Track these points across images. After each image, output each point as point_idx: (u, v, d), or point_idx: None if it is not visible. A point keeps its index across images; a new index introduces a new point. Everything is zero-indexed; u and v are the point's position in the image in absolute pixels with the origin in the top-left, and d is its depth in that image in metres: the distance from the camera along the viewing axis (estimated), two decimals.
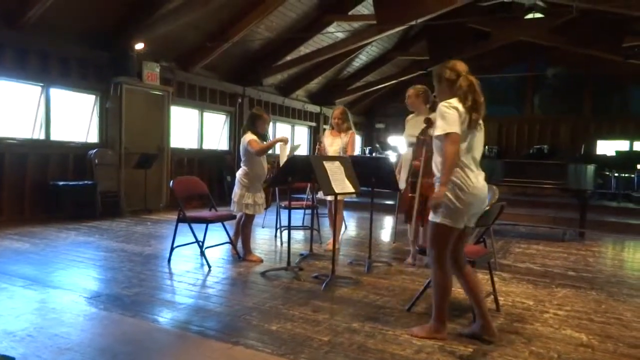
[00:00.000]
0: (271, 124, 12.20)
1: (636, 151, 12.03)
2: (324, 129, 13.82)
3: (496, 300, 3.54)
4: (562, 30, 10.39)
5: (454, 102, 2.77)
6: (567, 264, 5.18)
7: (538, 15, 11.00)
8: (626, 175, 11.02)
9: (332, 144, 5.54)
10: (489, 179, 6.05)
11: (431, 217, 2.84)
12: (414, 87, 5.13)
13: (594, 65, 12.16)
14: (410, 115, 5.14)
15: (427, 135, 2.90)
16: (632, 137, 13.11)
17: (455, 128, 2.70)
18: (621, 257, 6.07)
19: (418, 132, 4.78)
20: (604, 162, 10.72)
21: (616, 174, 10.95)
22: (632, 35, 10.12)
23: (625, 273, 5.01)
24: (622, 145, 12.99)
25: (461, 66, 2.89)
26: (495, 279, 3.85)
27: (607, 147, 12.88)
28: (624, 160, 10.82)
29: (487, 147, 13.54)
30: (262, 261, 4.81)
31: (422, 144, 4.69)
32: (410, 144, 4.97)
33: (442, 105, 2.78)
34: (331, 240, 5.25)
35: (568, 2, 7.76)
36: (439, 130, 2.74)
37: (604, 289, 4.23)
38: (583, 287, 4.26)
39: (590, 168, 7.26)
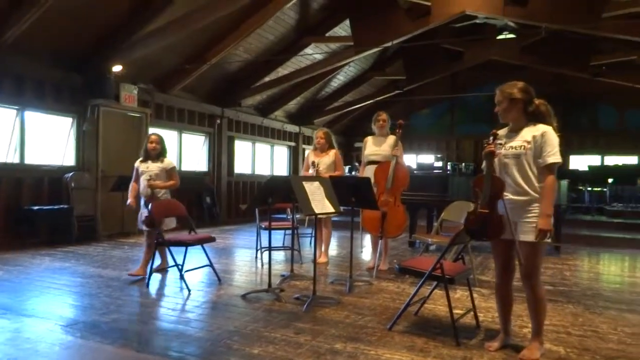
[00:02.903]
0: (250, 144, 12.25)
1: (607, 166, 12.41)
2: (304, 149, 13.97)
3: (476, 317, 3.58)
4: (532, 50, 10.75)
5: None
6: (543, 278, 5.25)
7: (509, 35, 11.37)
8: (599, 189, 11.33)
9: (319, 163, 5.84)
10: (467, 196, 6.17)
11: (533, 238, 2.82)
12: (385, 112, 5.74)
13: (563, 83, 12.57)
14: (370, 137, 5.75)
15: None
16: (602, 152, 13.53)
17: None
18: (596, 270, 6.20)
19: (380, 150, 5.50)
20: (577, 177, 11.02)
21: (589, 188, 11.25)
22: (599, 54, 10.52)
23: (600, 286, 5.12)
24: (594, 160, 13.38)
25: (531, 88, 2.96)
26: (475, 295, 3.89)
27: (579, 162, 13.25)
28: (596, 174, 11.14)
29: (464, 164, 13.81)
30: (145, 275, 4.81)
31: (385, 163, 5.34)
32: (370, 162, 5.58)
33: (552, 132, 2.86)
34: (320, 254, 5.93)
35: (537, 23, 8.04)
36: (557, 157, 2.83)
37: (581, 302, 4.31)
38: (560, 301, 4.34)
39: (564, 183, 7.45)
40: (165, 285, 4.70)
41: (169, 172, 5.14)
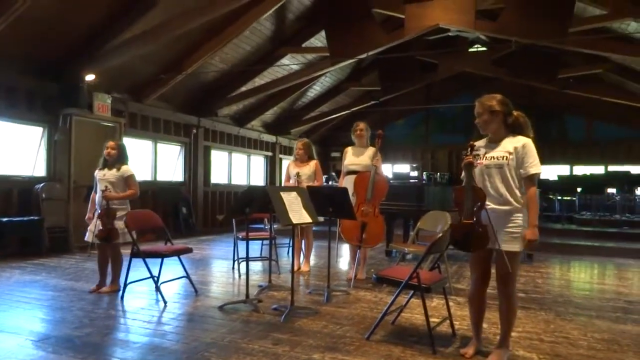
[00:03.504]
0: (227, 154, 12.18)
1: (576, 175, 12.78)
2: (280, 159, 13.97)
3: (452, 325, 3.63)
4: (503, 63, 11.06)
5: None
6: (517, 286, 5.36)
7: (481, 48, 11.68)
8: (568, 198, 11.65)
9: (300, 174, 5.86)
10: (442, 206, 6.29)
11: (514, 247, 2.89)
12: (364, 122, 5.74)
13: (533, 95, 12.94)
14: (349, 147, 5.76)
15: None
16: (571, 162, 13.94)
17: None
18: (567, 277, 6.37)
19: (359, 160, 5.55)
20: (547, 186, 11.31)
21: (559, 197, 11.55)
22: (567, 67, 10.89)
23: (571, 293, 5.26)
24: (563, 169, 13.76)
25: (508, 100, 3.04)
26: (451, 303, 3.95)
27: (549, 172, 13.61)
28: (566, 184, 11.46)
29: (439, 173, 14.02)
30: (119, 289, 4.73)
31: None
32: (349, 172, 5.59)
33: (532, 144, 2.94)
34: (300, 264, 6.06)
35: (507, 37, 8.28)
36: (539, 167, 2.92)
37: (552, 309, 4.42)
38: (533, 308, 4.43)
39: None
40: (140, 298, 4.62)
41: (127, 180, 4.88)
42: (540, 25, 7.77)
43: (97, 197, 4.86)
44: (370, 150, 5.54)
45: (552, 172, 13.33)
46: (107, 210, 4.68)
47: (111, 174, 4.84)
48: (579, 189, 11.20)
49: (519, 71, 10.91)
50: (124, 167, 4.90)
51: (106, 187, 4.74)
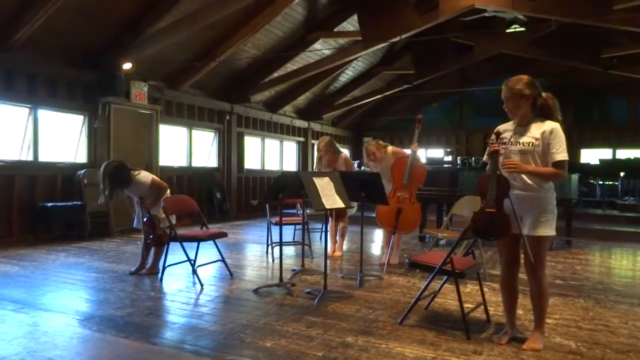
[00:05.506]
0: (259, 140, 12.29)
1: (619, 159, 12.29)
2: (313, 144, 13.97)
3: (486, 311, 3.60)
4: (542, 43, 10.66)
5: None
6: (555, 272, 5.27)
7: (519, 28, 11.29)
8: (610, 183, 11.23)
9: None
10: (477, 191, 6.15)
11: (541, 232, 2.89)
12: (370, 142, 5.60)
13: (575, 76, 12.46)
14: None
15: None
16: (614, 146, 13.41)
17: None
18: (607, 264, 6.18)
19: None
20: (588, 171, 10.94)
21: (600, 182, 11.16)
22: (610, 47, 10.41)
23: (611, 280, 5.11)
24: (605, 153, 13.26)
25: (536, 81, 2.92)
26: (485, 289, 3.91)
27: (590, 156, 13.15)
28: (608, 168, 11.04)
29: (473, 158, 13.74)
30: (157, 272, 4.85)
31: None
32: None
33: (560, 129, 2.83)
34: (333, 248, 6.10)
35: (547, 16, 7.97)
36: (566, 154, 2.81)
37: (592, 296, 4.31)
38: (571, 295, 4.34)
39: (575, 177, 7.41)
40: (178, 280, 4.76)
41: (151, 185, 4.90)
42: (582, 3, 7.44)
43: (137, 209, 5.01)
44: (389, 159, 5.49)
45: (593, 155, 12.88)
46: (151, 220, 4.85)
47: (134, 191, 4.92)
48: (621, 174, 10.78)
49: (559, 51, 10.49)
50: (136, 181, 4.86)
51: (141, 198, 4.87)
